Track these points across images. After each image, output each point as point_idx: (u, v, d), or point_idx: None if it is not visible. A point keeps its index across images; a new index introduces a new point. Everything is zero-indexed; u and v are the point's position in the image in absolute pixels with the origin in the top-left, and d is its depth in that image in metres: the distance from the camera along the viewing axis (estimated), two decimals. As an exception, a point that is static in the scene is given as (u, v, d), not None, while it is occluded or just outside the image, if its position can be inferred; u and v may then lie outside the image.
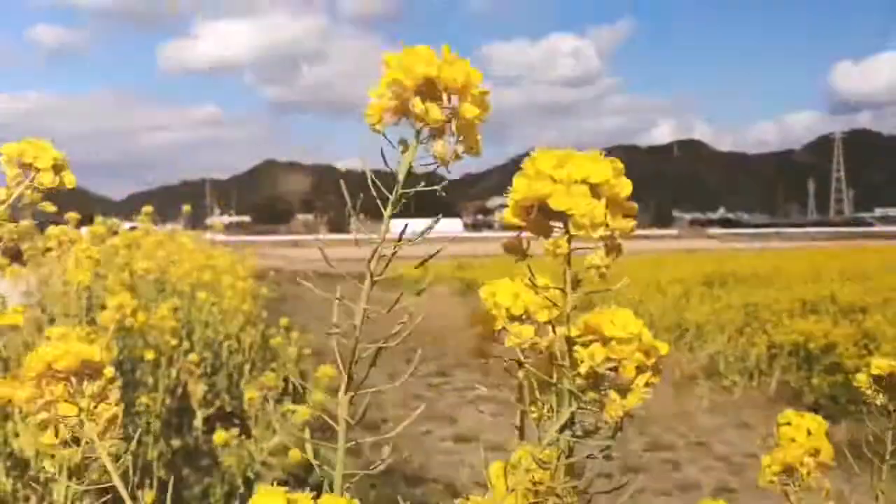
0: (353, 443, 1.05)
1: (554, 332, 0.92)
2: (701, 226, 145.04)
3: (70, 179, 1.20)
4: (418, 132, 0.94)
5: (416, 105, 0.91)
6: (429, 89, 0.92)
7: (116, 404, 1.11)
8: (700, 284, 17.21)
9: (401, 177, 0.95)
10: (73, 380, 1.10)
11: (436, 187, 0.96)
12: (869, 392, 1.54)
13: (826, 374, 9.44)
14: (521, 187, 0.82)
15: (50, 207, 1.24)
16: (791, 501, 1.40)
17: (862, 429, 1.52)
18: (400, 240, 0.98)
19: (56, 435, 1.10)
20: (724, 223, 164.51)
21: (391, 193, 0.96)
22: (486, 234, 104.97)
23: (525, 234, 0.86)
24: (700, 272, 19.96)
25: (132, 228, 6.80)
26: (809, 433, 1.40)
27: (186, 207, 9.09)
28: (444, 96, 0.92)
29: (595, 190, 0.80)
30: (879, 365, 1.53)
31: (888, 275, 16.59)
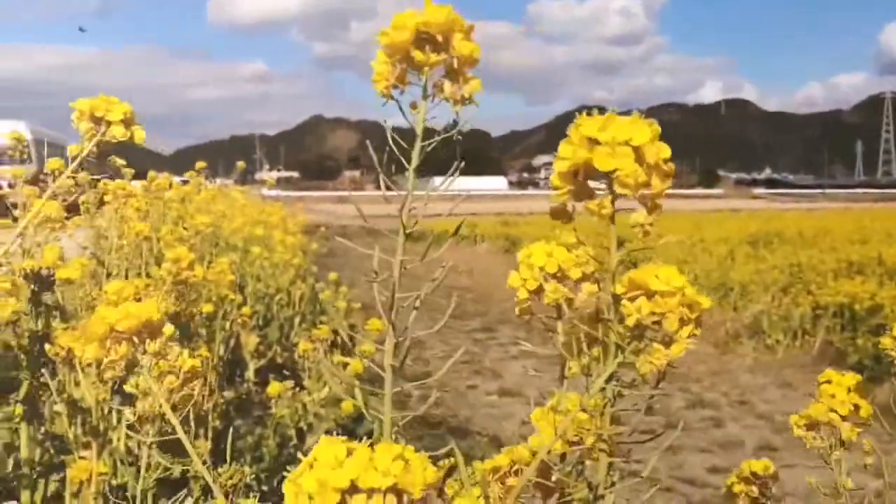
0: (399, 389, 1.12)
1: (599, 288, 0.98)
2: (746, 186, 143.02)
3: (140, 134, 1.26)
4: (424, 86, 1.02)
5: (417, 55, 0.99)
6: (422, 40, 1.00)
7: (175, 360, 1.16)
8: (745, 244, 17.11)
9: (419, 131, 1.03)
10: (136, 339, 1.15)
11: (451, 133, 1.03)
12: (893, 353, 1.58)
13: (871, 335, 9.38)
14: (567, 152, 0.88)
15: (120, 161, 1.34)
16: (827, 459, 1.45)
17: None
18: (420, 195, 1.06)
19: (114, 390, 1.17)
20: (770, 183, 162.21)
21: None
22: (531, 191, 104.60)
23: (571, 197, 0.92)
24: (745, 232, 19.81)
25: (184, 182, 6.89)
26: (850, 391, 1.44)
27: (241, 164, 9.18)
28: (439, 41, 0.99)
29: (637, 151, 0.86)
30: (902, 326, 1.58)
31: (937, 236, 16.38)
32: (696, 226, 21.24)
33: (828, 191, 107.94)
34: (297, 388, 4.16)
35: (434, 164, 1.08)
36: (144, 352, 1.16)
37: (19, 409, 2.47)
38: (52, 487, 2.62)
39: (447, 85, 1.01)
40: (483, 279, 14.05)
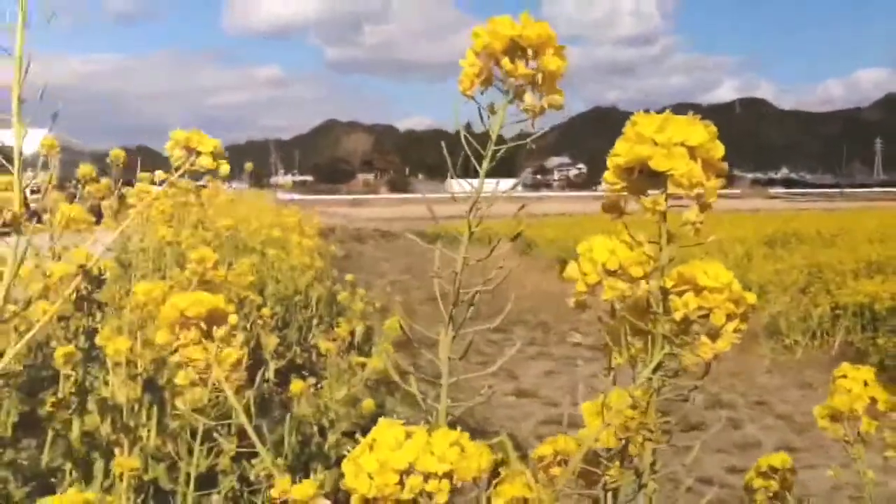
0: (455, 379, 1.15)
1: (647, 283, 1.00)
2: (763, 185, 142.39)
3: (224, 168, 1.46)
4: (507, 91, 1.04)
5: (506, 64, 1.01)
6: (514, 50, 1.02)
7: (241, 348, 1.23)
8: (762, 244, 17.08)
9: (493, 135, 1.05)
10: (203, 326, 1.22)
11: (526, 140, 1.06)
12: None
13: (892, 334, 9.33)
14: (624, 150, 0.90)
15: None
16: (850, 451, 1.45)
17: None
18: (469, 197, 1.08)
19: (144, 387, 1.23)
20: (787, 183, 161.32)
21: (478, 152, 1.06)
22: (544, 192, 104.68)
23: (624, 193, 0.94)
24: (762, 232, 19.78)
25: (203, 187, 6.95)
26: (866, 384, 1.45)
27: (248, 165, 9.25)
28: (529, 53, 1.01)
29: (692, 152, 0.88)
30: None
31: (958, 236, 16.28)
32: (712, 226, 21.08)
33: (846, 190, 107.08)
34: (318, 387, 4.19)
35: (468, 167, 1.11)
36: (211, 339, 1.22)
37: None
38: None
39: (528, 95, 1.03)
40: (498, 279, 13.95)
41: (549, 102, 1.03)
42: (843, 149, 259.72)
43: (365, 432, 0.92)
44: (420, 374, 1.20)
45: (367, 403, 4.02)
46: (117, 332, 2.87)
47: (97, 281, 2.59)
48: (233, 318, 1.24)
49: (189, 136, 1.40)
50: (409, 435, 0.87)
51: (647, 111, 0.93)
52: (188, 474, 2.59)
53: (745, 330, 0.93)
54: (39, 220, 3.29)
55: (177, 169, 1.41)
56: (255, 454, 3.13)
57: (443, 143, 1.09)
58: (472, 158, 1.06)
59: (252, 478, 2.93)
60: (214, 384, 1.22)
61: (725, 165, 0.91)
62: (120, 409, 2.85)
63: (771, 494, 1.55)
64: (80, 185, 3.80)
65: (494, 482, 1.00)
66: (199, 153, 1.40)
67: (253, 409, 3.96)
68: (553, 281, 16.62)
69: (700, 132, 0.88)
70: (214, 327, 1.22)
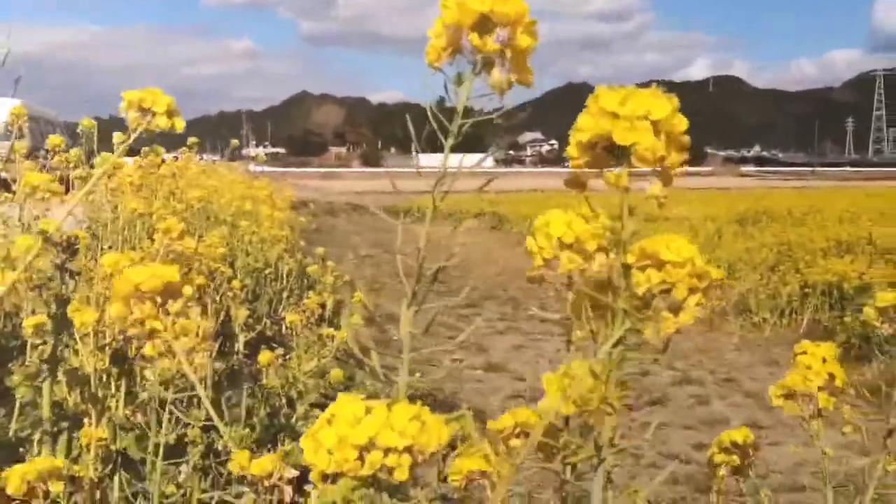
0: (416, 353, 1.15)
1: (607, 257, 1.00)
2: (735, 163, 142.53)
3: (180, 124, 1.41)
4: (474, 65, 1.03)
5: (474, 39, 1.00)
6: (483, 25, 1.01)
7: (199, 319, 1.22)
8: (733, 222, 17.20)
9: (459, 108, 1.04)
10: (158, 299, 1.21)
11: (492, 115, 1.05)
12: (877, 324, 1.61)
13: (860, 314, 9.37)
14: (587, 124, 0.89)
15: (160, 150, 1.47)
16: (807, 427, 1.47)
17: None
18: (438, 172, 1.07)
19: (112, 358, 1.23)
20: (759, 161, 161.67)
21: (446, 126, 1.05)
22: (516, 169, 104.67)
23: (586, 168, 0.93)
24: (733, 210, 19.91)
25: (175, 158, 6.91)
26: (825, 361, 1.46)
27: (234, 142, 9.24)
28: (498, 29, 1.00)
29: (655, 125, 0.87)
30: (885, 297, 1.61)
31: (927, 216, 16.45)
32: (682, 204, 21.23)
33: (818, 169, 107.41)
34: (286, 359, 4.19)
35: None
36: (166, 312, 1.21)
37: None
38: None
39: (496, 71, 1.01)
40: (467, 255, 14.06)
41: (518, 79, 1.01)
42: (815, 128, 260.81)
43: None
44: (388, 348, 1.19)
45: (336, 374, 4.02)
46: (86, 302, 2.85)
47: (71, 250, 2.57)
48: (187, 291, 1.23)
49: (142, 95, 1.37)
50: (368, 410, 0.87)
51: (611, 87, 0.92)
52: (157, 444, 2.58)
53: (710, 304, 0.93)
54: (9, 190, 3.26)
55: (133, 131, 1.38)
56: (226, 425, 3.12)
57: (408, 117, 1.08)
58: (439, 133, 1.05)
59: (220, 448, 2.93)
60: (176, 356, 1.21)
61: (688, 139, 0.90)
62: (88, 380, 2.84)
63: (732, 469, 1.57)
64: (49, 155, 3.78)
65: (452, 456, 1.00)
66: (154, 113, 1.37)
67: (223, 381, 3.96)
68: (523, 256, 16.57)
69: (663, 105, 0.88)
70: (170, 301, 1.21)
